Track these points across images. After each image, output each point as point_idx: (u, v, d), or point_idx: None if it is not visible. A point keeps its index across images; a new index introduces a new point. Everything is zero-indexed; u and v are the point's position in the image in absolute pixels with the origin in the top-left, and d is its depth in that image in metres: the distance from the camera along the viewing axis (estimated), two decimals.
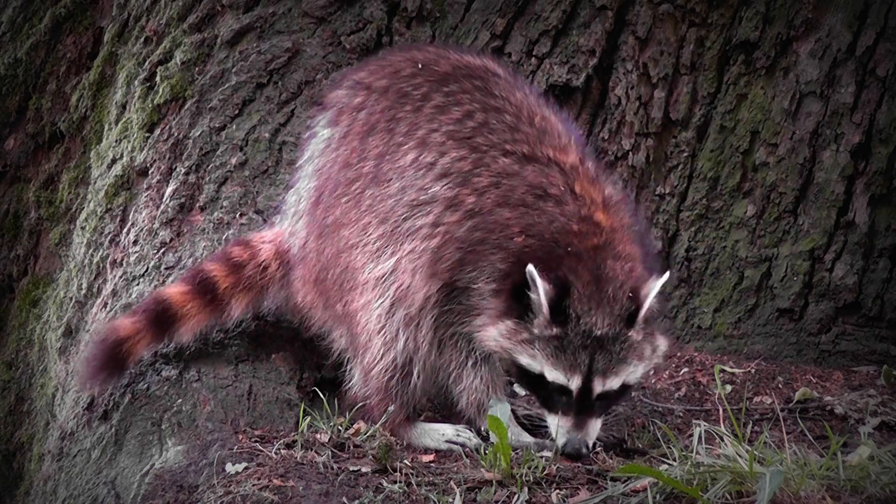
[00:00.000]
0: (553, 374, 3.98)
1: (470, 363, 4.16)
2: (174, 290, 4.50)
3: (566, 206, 4.05)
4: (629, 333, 3.98)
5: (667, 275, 4.03)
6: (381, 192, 4.21)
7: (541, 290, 3.92)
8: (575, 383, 3.97)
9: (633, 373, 4.04)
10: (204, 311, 4.47)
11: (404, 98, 4.30)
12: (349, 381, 4.34)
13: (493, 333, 4.05)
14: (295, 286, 4.49)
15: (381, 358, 4.20)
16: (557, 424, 4.03)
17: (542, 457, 3.98)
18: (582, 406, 3.99)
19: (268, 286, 4.55)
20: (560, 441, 4.03)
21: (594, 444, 4.07)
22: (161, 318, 4.43)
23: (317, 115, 4.59)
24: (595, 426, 4.03)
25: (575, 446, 4.01)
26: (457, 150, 4.16)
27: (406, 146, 4.21)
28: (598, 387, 3.98)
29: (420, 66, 4.37)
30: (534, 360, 4.00)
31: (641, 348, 4.03)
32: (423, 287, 4.12)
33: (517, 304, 4.02)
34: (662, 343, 4.13)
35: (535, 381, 4.05)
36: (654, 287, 3.98)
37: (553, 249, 3.99)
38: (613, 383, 4.00)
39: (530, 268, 3.91)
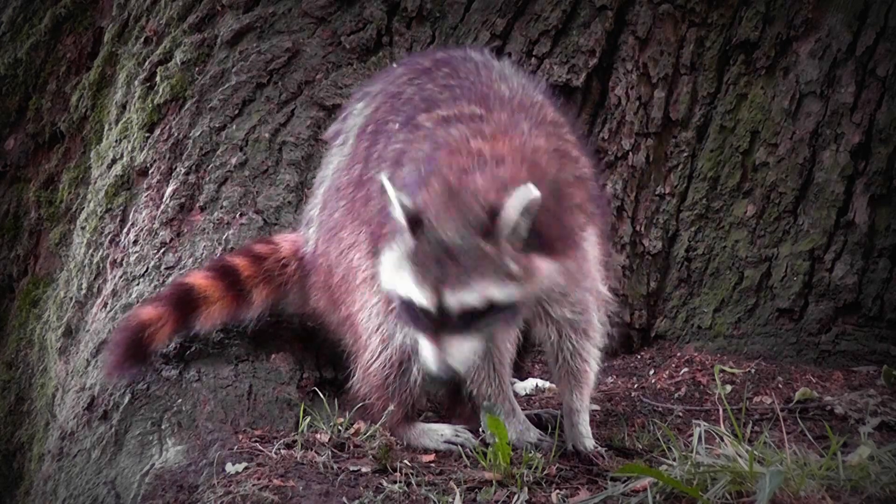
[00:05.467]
0: (413, 293, 3.75)
1: None
2: (197, 275, 4.53)
3: (453, 143, 3.88)
4: (483, 245, 3.71)
5: (527, 186, 3.67)
6: (362, 193, 4.24)
7: (394, 199, 3.72)
8: (427, 297, 3.71)
9: (498, 289, 3.72)
10: (226, 297, 4.48)
11: (389, 98, 4.35)
12: (351, 380, 4.35)
13: (383, 273, 3.87)
14: (310, 292, 4.52)
15: (379, 355, 4.20)
16: (427, 352, 3.78)
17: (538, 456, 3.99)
18: (442, 324, 3.74)
19: (287, 284, 4.57)
20: (431, 368, 3.79)
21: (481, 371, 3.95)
22: (183, 301, 4.43)
23: (335, 122, 4.67)
24: (458, 345, 3.76)
25: (435, 367, 3.77)
26: (402, 133, 4.14)
27: (378, 144, 4.25)
28: (451, 300, 3.71)
29: (402, 65, 4.40)
30: (403, 284, 3.78)
31: (505, 265, 3.73)
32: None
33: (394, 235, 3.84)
34: (543, 266, 3.81)
35: (411, 312, 3.80)
36: (513, 200, 3.68)
37: (417, 172, 3.83)
38: (469, 298, 3.71)
39: (383, 178, 3.77)
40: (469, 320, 3.76)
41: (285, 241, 4.63)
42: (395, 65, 4.64)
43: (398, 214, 3.76)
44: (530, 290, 3.81)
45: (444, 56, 4.40)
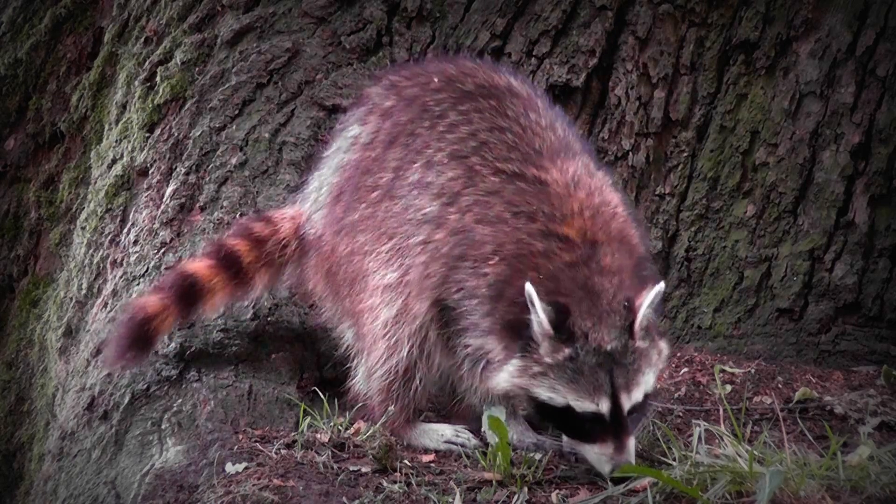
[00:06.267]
0: (580, 404, 3.86)
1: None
2: (199, 264, 4.50)
3: (532, 224, 3.99)
4: (636, 343, 3.89)
5: (661, 285, 3.92)
6: (392, 207, 4.23)
7: (540, 310, 3.83)
8: (605, 406, 3.85)
9: (647, 381, 3.94)
10: (230, 286, 4.48)
11: (425, 113, 4.31)
12: (353, 378, 4.35)
13: (504, 377, 3.95)
14: (307, 273, 4.52)
15: (385, 362, 4.20)
16: (599, 453, 3.88)
17: (536, 457, 3.99)
18: (618, 427, 3.86)
19: (286, 264, 4.58)
20: (606, 469, 3.88)
21: None
22: (188, 293, 4.43)
23: (350, 107, 4.64)
24: (633, 444, 3.88)
25: (615, 468, 3.86)
26: (453, 169, 4.16)
27: (416, 164, 4.23)
28: (627, 403, 3.86)
29: (443, 80, 4.35)
30: (555, 393, 3.88)
31: (650, 355, 3.94)
32: (417, 303, 4.12)
33: (516, 338, 3.93)
34: (664, 347, 4.03)
35: (562, 416, 3.91)
36: (647, 297, 3.88)
37: (525, 274, 3.91)
38: (638, 395, 3.89)
39: (528, 288, 3.83)
40: (634, 416, 3.91)
41: (284, 219, 4.59)
42: (427, 66, 4.56)
43: (545, 324, 3.85)
44: (660, 369, 4.03)
45: (485, 79, 4.36)
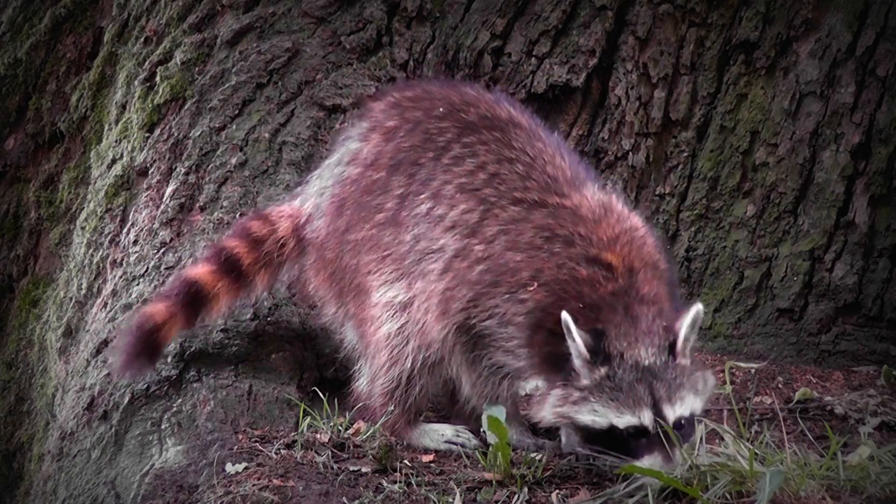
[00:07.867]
0: (622, 420, 3.84)
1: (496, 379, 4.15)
2: (202, 270, 4.51)
3: (572, 249, 4.00)
4: (678, 361, 3.88)
5: (700, 306, 3.92)
6: (398, 234, 4.24)
7: (577, 336, 3.83)
8: (647, 418, 3.82)
9: (694, 403, 3.90)
10: (233, 290, 4.51)
11: (429, 142, 4.31)
12: (357, 379, 4.36)
13: (547, 408, 3.95)
14: (308, 274, 4.54)
15: (388, 370, 4.22)
16: (648, 467, 3.78)
17: (536, 457, 3.99)
18: (664, 438, 3.80)
19: (285, 263, 4.59)
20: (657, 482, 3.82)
21: None
22: (194, 300, 4.45)
23: (352, 119, 4.66)
24: (680, 455, 3.80)
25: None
26: (465, 202, 4.16)
27: (422, 195, 4.23)
28: (671, 414, 3.83)
29: (447, 108, 4.36)
30: (596, 415, 3.86)
31: (694, 379, 3.92)
32: (438, 326, 4.12)
33: (558, 370, 3.93)
34: (710, 378, 4.01)
35: (606, 437, 3.88)
36: (688, 316, 3.90)
37: (568, 303, 3.90)
38: (682, 410, 3.85)
39: (565, 317, 3.83)
40: (682, 431, 3.85)
41: (282, 217, 4.60)
42: (430, 88, 4.55)
43: (581, 349, 3.84)
44: (705, 401, 3.98)
45: (488, 110, 4.36)
